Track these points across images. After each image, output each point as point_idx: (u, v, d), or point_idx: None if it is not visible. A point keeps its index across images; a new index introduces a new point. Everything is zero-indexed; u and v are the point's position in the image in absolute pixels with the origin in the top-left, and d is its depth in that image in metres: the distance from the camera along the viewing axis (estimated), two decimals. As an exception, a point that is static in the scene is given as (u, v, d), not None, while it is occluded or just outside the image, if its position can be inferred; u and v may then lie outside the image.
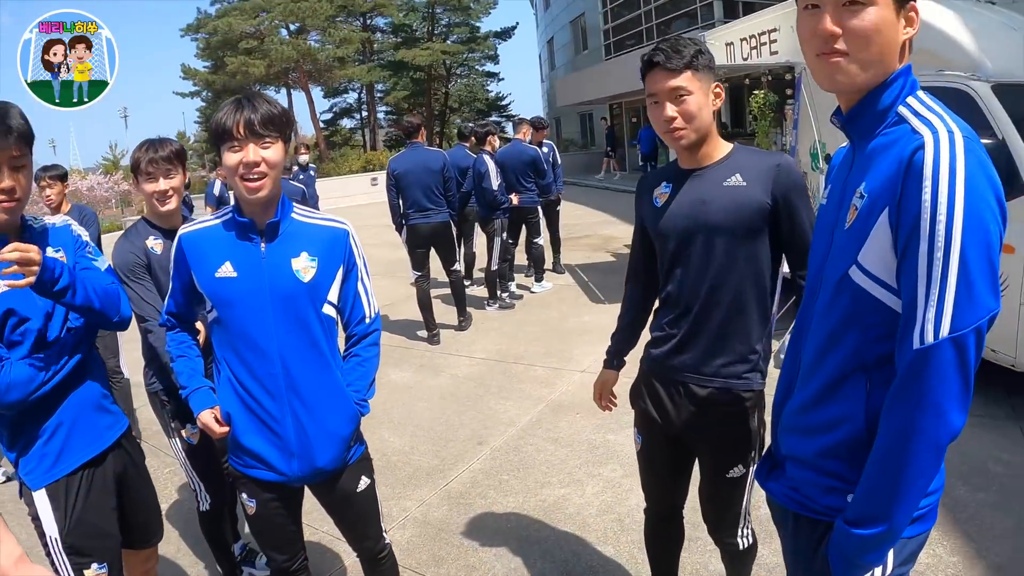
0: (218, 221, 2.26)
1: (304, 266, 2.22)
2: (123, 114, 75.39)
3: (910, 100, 1.46)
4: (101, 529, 2.34)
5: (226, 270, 2.19)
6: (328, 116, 47.52)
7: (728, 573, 2.78)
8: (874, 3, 1.40)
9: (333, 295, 2.30)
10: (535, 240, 9.36)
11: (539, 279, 9.55)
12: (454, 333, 7.64)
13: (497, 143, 9.07)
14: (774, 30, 7.56)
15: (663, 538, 2.81)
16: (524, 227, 9.22)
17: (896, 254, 1.37)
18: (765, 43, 7.72)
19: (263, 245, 2.21)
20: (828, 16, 1.43)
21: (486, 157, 8.31)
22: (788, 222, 2.25)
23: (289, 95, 41.15)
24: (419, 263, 7.48)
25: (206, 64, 40.31)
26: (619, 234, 13.78)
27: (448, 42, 43.74)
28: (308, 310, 2.24)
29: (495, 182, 8.17)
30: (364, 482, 2.45)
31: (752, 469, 2.40)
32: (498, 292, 8.68)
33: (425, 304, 7.44)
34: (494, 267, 8.51)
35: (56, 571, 2.26)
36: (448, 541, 3.67)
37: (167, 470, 4.66)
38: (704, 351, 2.35)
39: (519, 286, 9.44)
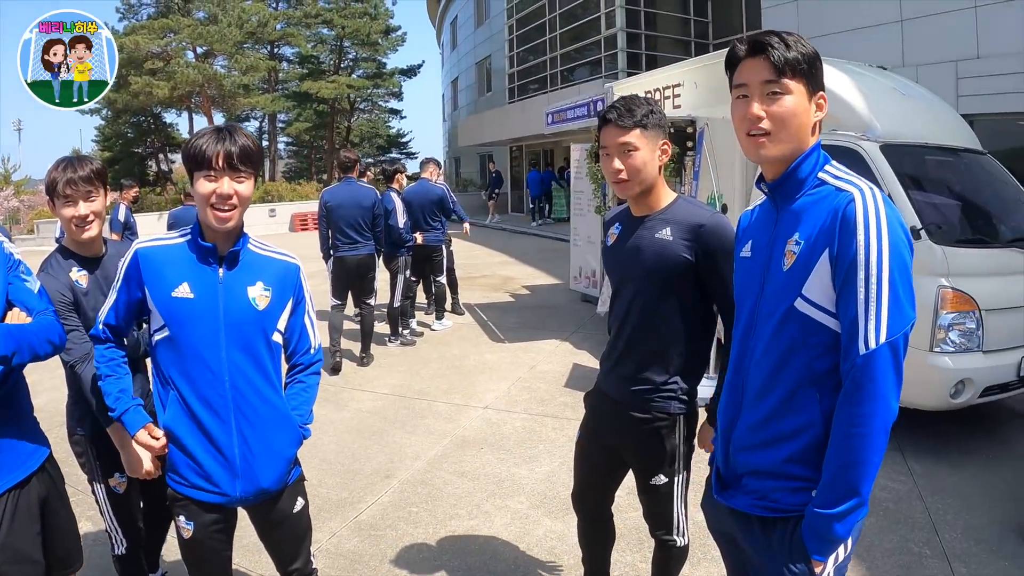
0: (179, 241, 2.32)
1: (259, 294, 2.33)
2: (17, 127, 71.58)
3: (828, 168, 1.85)
4: (27, 555, 2.29)
5: (183, 291, 2.25)
6: (228, 142, 46.61)
7: (654, 571, 3.00)
8: (790, 92, 1.79)
9: (282, 324, 2.41)
10: (437, 279, 9.53)
11: (440, 317, 9.67)
12: (356, 368, 7.67)
13: (404, 181, 9.24)
14: (678, 85, 8.03)
15: (593, 537, 3.12)
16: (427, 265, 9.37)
17: (835, 285, 1.71)
18: (669, 96, 8.18)
19: (221, 271, 2.29)
20: (755, 102, 1.81)
21: (393, 195, 8.47)
22: (712, 277, 2.53)
23: (191, 119, 40.15)
24: (340, 293, 7.68)
25: (107, 83, 39.12)
26: (517, 275, 14.09)
27: (354, 76, 43.66)
28: (259, 336, 2.33)
29: (401, 220, 8.35)
30: (300, 503, 2.52)
31: (678, 479, 2.72)
32: (399, 329, 8.75)
33: (336, 326, 7.60)
34: (396, 304, 8.59)
35: None
36: (360, 572, 3.71)
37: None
38: (628, 376, 2.70)
39: (420, 323, 9.54)
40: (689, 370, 2.67)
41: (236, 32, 36.44)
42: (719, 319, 2.70)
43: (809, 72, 1.82)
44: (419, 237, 8.92)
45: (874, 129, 5.59)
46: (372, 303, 8.00)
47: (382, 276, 8.45)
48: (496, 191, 28.52)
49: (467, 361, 7.88)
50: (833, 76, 6.24)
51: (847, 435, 1.67)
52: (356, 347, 7.94)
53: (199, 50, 37.88)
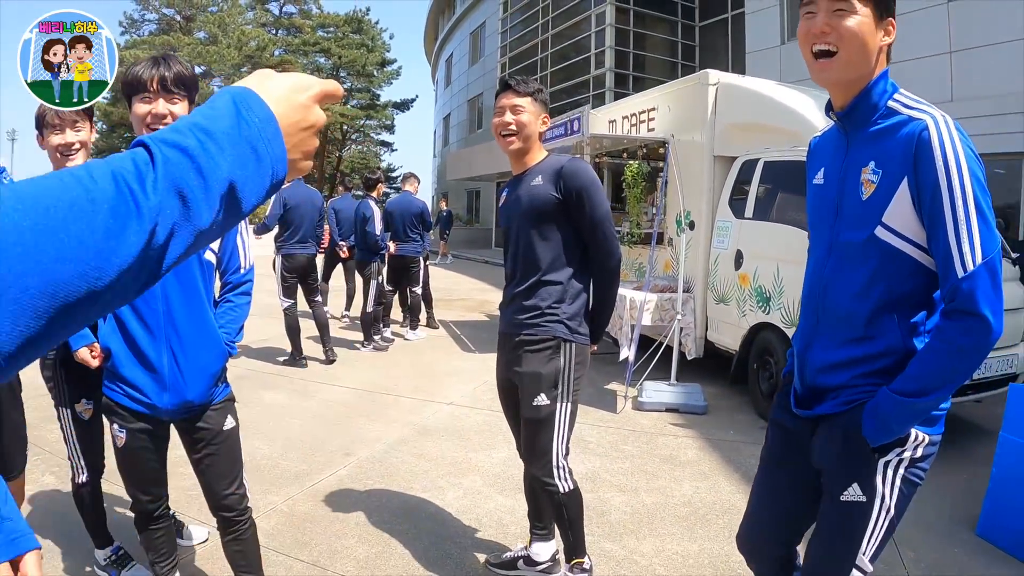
0: None
1: None
2: (11, 137, 71.55)
3: (897, 96, 1.86)
4: None
5: None
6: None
7: (556, 523, 3.18)
8: (856, 12, 1.77)
9: (215, 243, 2.55)
10: (414, 289, 9.70)
11: (414, 328, 9.82)
12: (324, 367, 7.80)
13: (383, 189, 9.48)
14: (653, 108, 8.32)
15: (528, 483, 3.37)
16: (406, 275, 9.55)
17: (916, 212, 1.77)
18: (644, 120, 8.47)
19: None
20: (821, 15, 1.80)
21: (371, 202, 8.67)
22: (577, 211, 2.96)
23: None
24: (291, 291, 7.86)
25: (106, 95, 39.44)
26: (494, 299, 14.22)
27: (347, 106, 44.15)
28: None
29: (378, 227, 8.55)
30: (230, 422, 2.65)
31: (561, 407, 2.97)
32: (372, 334, 8.89)
33: (294, 328, 7.76)
34: (369, 309, 8.75)
35: None
36: (312, 530, 3.80)
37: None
38: (518, 308, 3.09)
39: (394, 333, 9.68)
40: (571, 299, 3.01)
41: (235, 54, 37.00)
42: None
43: None
44: (392, 246, 9.12)
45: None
46: (320, 300, 8.23)
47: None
48: (447, 231, 28.44)
49: (437, 367, 8.02)
50: (795, 97, 6.57)
51: (951, 345, 1.73)
52: (319, 350, 8.13)
53: (198, 69, 38.39)
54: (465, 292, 15.34)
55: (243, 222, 2.65)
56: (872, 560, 1.90)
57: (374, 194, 9.07)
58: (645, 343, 7.38)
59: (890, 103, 1.86)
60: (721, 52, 22.09)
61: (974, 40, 12.30)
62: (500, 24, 30.93)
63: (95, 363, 2.49)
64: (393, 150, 63.21)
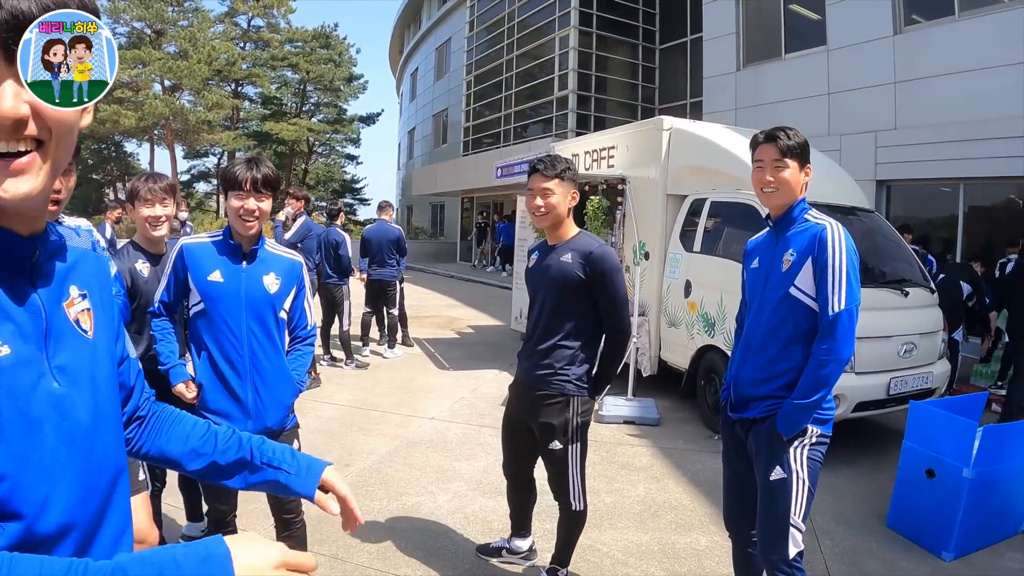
0: (213, 240, 3.13)
1: (271, 282, 3.14)
2: None
3: (808, 213, 2.97)
4: None
5: (216, 276, 3.06)
6: (185, 177, 47.05)
7: (558, 532, 3.81)
8: (788, 167, 2.90)
9: (287, 304, 3.22)
10: (391, 311, 10.40)
11: (391, 346, 10.47)
12: (310, 392, 8.15)
13: (343, 219, 10.18)
14: (612, 147, 9.14)
15: (517, 497, 4.05)
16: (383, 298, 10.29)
17: (815, 278, 2.80)
18: (604, 157, 9.28)
19: (244, 263, 3.10)
20: (767, 172, 2.94)
21: (338, 229, 9.40)
22: (599, 293, 3.48)
23: (152, 150, 40.61)
24: None
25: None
26: (463, 316, 14.97)
27: (314, 120, 44.37)
28: (269, 312, 3.13)
29: (350, 250, 9.25)
30: (296, 445, 3.30)
31: (572, 448, 3.58)
32: (352, 352, 9.58)
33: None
34: (346, 327, 9.39)
35: None
36: (320, 531, 4.44)
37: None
38: (535, 364, 3.63)
39: (372, 352, 10.40)
40: (581, 362, 3.56)
41: (205, 69, 37.05)
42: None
43: (800, 154, 2.92)
44: (358, 273, 9.99)
45: (770, 190, 6.63)
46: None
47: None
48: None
49: (415, 383, 8.71)
50: (740, 144, 7.33)
51: (817, 361, 2.74)
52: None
53: (167, 83, 38.45)
54: (434, 309, 15.97)
55: (309, 287, 3.34)
56: (803, 519, 2.83)
57: (338, 222, 9.79)
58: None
59: (805, 215, 2.96)
60: (680, 75, 22.83)
61: (917, 72, 12.93)
62: (466, 42, 31.22)
63: (190, 395, 3.09)
64: (359, 163, 63.63)
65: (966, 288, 9.18)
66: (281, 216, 8.99)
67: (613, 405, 7.29)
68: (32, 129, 1.02)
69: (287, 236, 8.65)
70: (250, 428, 3.07)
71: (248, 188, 2.99)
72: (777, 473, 2.83)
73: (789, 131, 2.94)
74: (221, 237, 3.14)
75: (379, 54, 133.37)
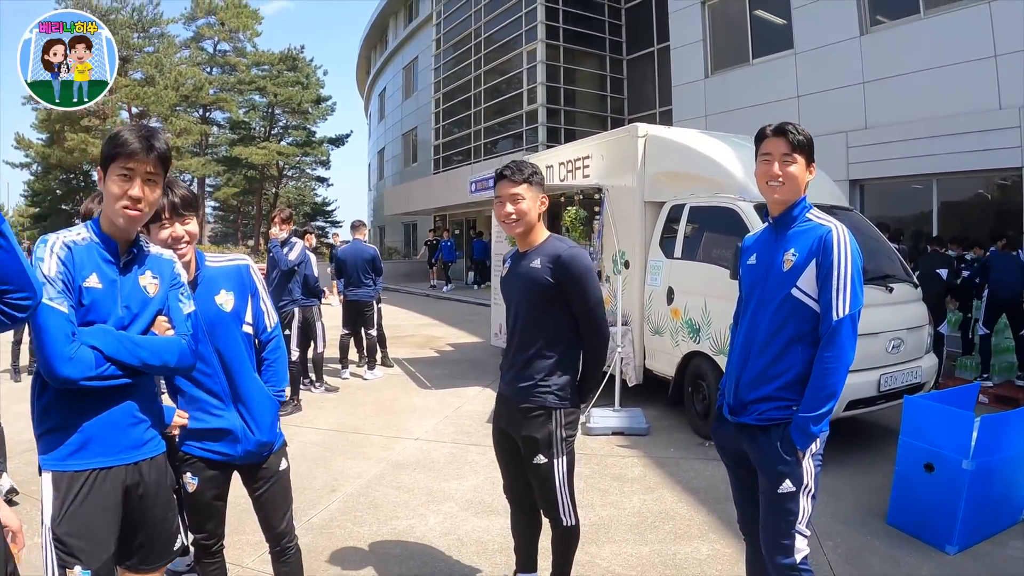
0: None
1: (224, 299, 2.97)
2: None
3: (811, 212, 2.89)
4: (94, 533, 2.35)
5: None
6: (155, 205, 46.31)
7: (553, 550, 3.64)
8: (796, 161, 2.84)
9: (248, 316, 3.06)
10: (369, 331, 10.28)
11: (371, 367, 10.34)
12: (291, 416, 7.97)
13: (313, 241, 10.06)
14: (587, 157, 9.09)
15: (521, 525, 3.81)
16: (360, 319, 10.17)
17: (818, 281, 2.73)
18: (580, 167, 9.23)
19: (191, 292, 2.85)
20: (776, 164, 2.85)
21: (306, 250, 9.23)
22: (571, 295, 3.35)
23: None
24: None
25: (41, 136, 38.97)
26: (440, 334, 14.84)
27: (283, 143, 44.18)
28: (232, 330, 2.97)
29: (315, 270, 9.09)
30: (284, 463, 3.17)
31: (557, 462, 3.43)
32: (323, 375, 9.36)
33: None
34: (320, 350, 9.18)
35: (44, 563, 2.32)
36: (314, 559, 4.30)
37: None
38: (515, 375, 3.49)
39: (352, 374, 10.25)
40: (562, 371, 3.42)
41: (172, 95, 36.79)
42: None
43: (808, 150, 2.87)
44: (328, 295, 9.77)
45: (749, 191, 6.61)
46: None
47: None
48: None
49: (398, 404, 8.56)
50: (715, 147, 7.34)
51: (823, 370, 2.70)
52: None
53: (135, 110, 38.12)
54: (412, 328, 15.82)
55: (261, 286, 3.15)
56: (807, 525, 2.83)
57: (306, 243, 9.62)
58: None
59: (807, 214, 2.90)
60: (649, 84, 23.00)
61: (885, 71, 13.13)
62: (434, 60, 31.24)
63: (184, 421, 2.91)
64: (329, 185, 63.33)
65: (943, 273, 9.30)
66: (283, 234, 8.78)
67: (601, 417, 7.18)
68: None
69: (291, 257, 8.50)
70: (241, 450, 2.97)
71: (169, 215, 2.82)
72: (787, 487, 2.80)
73: (798, 126, 2.89)
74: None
75: (346, 75, 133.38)
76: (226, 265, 3.08)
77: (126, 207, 2.38)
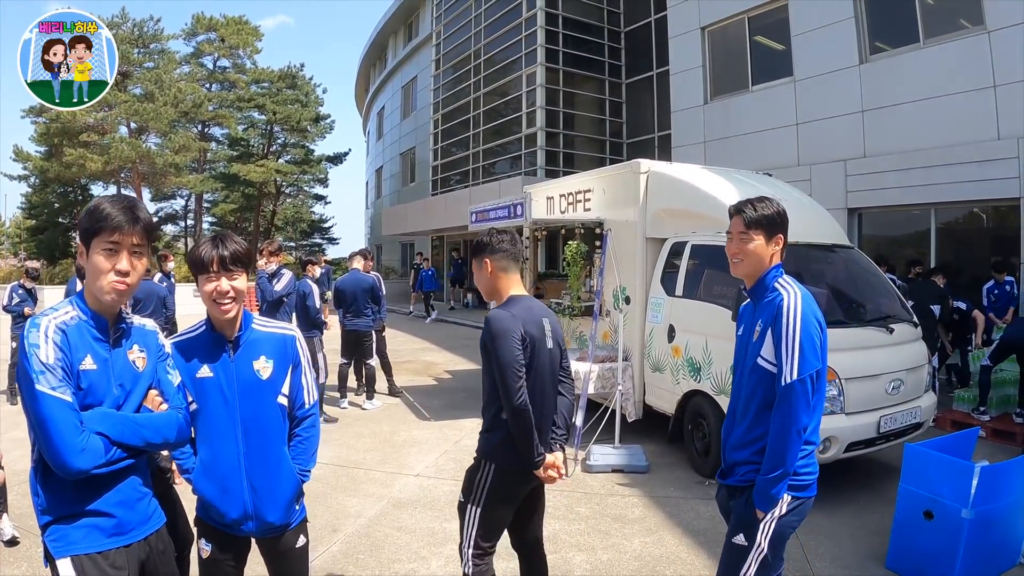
0: (197, 333, 2.93)
1: (262, 366, 2.91)
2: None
3: (779, 280, 3.03)
4: None
5: (204, 371, 2.85)
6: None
7: None
8: (753, 239, 3.05)
9: (285, 388, 2.98)
10: (367, 361, 10.27)
11: (370, 397, 10.32)
12: None
13: (317, 272, 10.07)
14: (588, 190, 9.14)
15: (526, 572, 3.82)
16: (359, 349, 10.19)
17: (774, 347, 2.89)
18: (580, 200, 9.28)
19: (231, 352, 2.89)
20: (733, 243, 3.11)
21: (308, 280, 9.38)
22: (488, 357, 3.45)
23: (119, 192, 40.25)
24: None
25: (40, 150, 39.04)
26: (438, 360, 14.80)
27: (282, 161, 44.24)
28: (265, 401, 2.91)
29: (317, 302, 9.17)
30: (302, 540, 3.10)
31: (470, 508, 3.49)
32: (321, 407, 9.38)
33: None
34: (321, 380, 9.23)
35: None
36: None
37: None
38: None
39: (351, 403, 10.25)
40: (496, 429, 3.45)
41: (171, 111, 36.84)
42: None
43: (768, 225, 3.04)
44: (327, 321, 9.98)
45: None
46: None
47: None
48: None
49: (398, 437, 8.55)
50: (719, 185, 7.38)
51: (775, 433, 2.83)
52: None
53: (133, 125, 38.13)
54: (409, 353, 15.78)
55: (306, 361, 3.09)
56: None
57: (308, 273, 9.72)
58: (591, 406, 8.05)
59: (776, 284, 3.03)
60: (648, 109, 23.16)
61: (884, 100, 13.20)
62: (433, 80, 31.33)
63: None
64: (327, 203, 63.36)
65: (936, 310, 9.36)
66: (272, 266, 8.83)
67: (601, 454, 7.19)
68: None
69: (278, 288, 8.56)
70: (250, 527, 2.92)
71: (216, 268, 2.81)
72: (740, 539, 3.00)
73: (758, 204, 3.07)
74: (204, 328, 2.94)
75: (345, 93, 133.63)
76: (272, 332, 3.03)
77: (114, 282, 2.39)
